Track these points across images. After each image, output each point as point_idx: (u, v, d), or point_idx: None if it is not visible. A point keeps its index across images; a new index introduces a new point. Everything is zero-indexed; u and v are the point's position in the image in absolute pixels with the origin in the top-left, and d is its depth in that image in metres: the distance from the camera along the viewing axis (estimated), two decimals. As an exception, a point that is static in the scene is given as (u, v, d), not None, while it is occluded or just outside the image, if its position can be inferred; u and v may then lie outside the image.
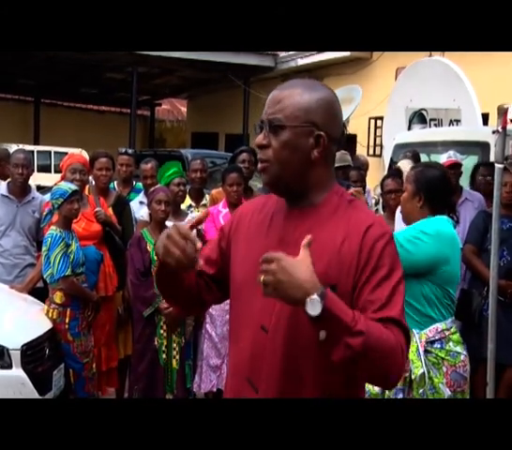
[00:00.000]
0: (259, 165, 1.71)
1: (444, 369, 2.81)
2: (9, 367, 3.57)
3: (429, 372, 2.80)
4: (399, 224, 4.52)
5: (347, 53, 13.32)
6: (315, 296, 1.45)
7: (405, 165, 5.26)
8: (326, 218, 1.68)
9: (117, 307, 4.70)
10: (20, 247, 4.86)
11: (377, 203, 6.37)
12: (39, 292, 4.48)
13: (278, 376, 1.62)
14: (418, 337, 2.83)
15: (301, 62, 14.60)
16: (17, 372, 3.57)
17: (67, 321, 4.04)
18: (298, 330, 1.59)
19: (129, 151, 5.65)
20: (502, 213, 4.03)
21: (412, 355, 2.87)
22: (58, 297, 4.05)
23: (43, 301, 4.22)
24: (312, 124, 1.66)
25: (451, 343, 2.84)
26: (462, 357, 2.86)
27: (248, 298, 1.70)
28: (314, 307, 1.44)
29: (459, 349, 2.86)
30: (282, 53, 15.17)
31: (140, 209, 5.03)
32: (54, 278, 4.02)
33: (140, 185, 5.59)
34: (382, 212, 5.29)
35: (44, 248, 4.08)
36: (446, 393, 2.78)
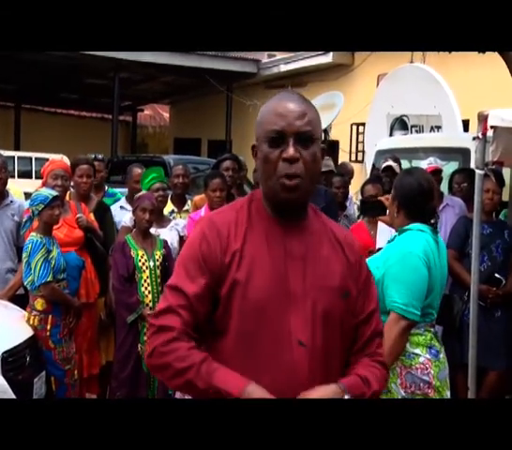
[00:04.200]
0: (290, 181, 1.65)
1: (398, 370, 2.77)
2: (-10, 374, 3.54)
3: None
4: (381, 227, 4.55)
5: (329, 60, 13.39)
6: (346, 396, 1.65)
7: (391, 161, 5.32)
8: (317, 232, 1.77)
9: (99, 313, 4.67)
10: (0, 253, 4.80)
11: (359, 209, 6.40)
12: (20, 299, 4.44)
13: (317, 384, 1.67)
14: None
15: (284, 68, 14.64)
16: (-3, 380, 3.54)
17: (48, 327, 4.01)
18: (331, 339, 1.73)
19: (99, 156, 5.67)
20: (482, 218, 4.06)
21: None
22: (39, 304, 4.02)
23: (24, 308, 4.19)
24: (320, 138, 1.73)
25: (408, 344, 2.80)
26: (422, 359, 2.79)
27: (276, 316, 1.68)
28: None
29: (418, 351, 2.80)
30: (265, 60, 15.22)
31: (120, 214, 5.01)
32: (35, 285, 3.99)
33: (112, 190, 5.60)
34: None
35: (24, 255, 4.05)
36: (400, 393, 2.76)
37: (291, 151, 1.65)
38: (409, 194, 2.93)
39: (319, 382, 1.66)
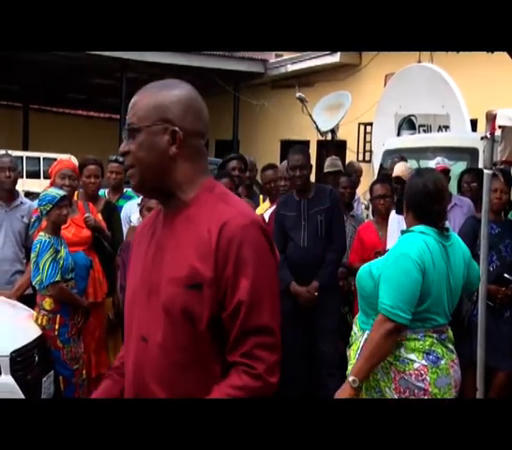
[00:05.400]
0: (127, 173, 1.71)
1: (392, 375, 2.73)
2: (-2, 373, 3.55)
3: (375, 374, 2.76)
4: (391, 228, 4.53)
5: (336, 60, 13.38)
6: None
7: (403, 167, 5.27)
8: (194, 216, 1.65)
9: (107, 312, 4.68)
10: (9, 254, 4.82)
11: (367, 208, 6.39)
12: (29, 299, 4.45)
13: (160, 383, 1.62)
14: (364, 339, 2.82)
15: (291, 68, 14.64)
16: (6, 379, 3.55)
17: (56, 327, 4.02)
18: (177, 335, 1.61)
19: (120, 159, 5.65)
20: (490, 218, 4.05)
21: (352, 353, 2.89)
22: (48, 304, 4.03)
23: (32, 307, 4.20)
24: (165, 121, 1.66)
25: (402, 349, 2.74)
26: (416, 365, 2.72)
27: (132, 311, 1.73)
28: None
29: (412, 356, 2.73)
30: (272, 60, 15.21)
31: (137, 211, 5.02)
32: (44, 285, 4.00)
33: (130, 192, 5.60)
34: (372, 217, 5.31)
35: (33, 255, 4.06)
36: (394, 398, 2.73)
37: (120, 148, 1.70)
38: (414, 195, 2.88)
39: (164, 380, 1.62)
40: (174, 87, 1.71)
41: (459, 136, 6.83)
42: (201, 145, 1.73)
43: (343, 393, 2.71)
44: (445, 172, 5.04)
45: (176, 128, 1.65)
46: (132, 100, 1.72)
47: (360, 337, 2.89)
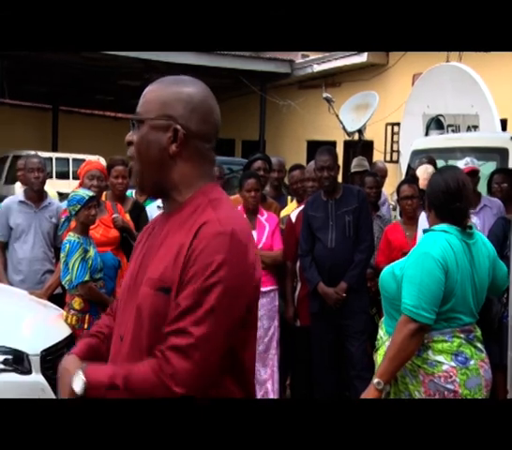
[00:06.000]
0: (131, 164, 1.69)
1: (421, 378, 2.70)
2: (29, 372, 3.59)
3: (404, 377, 2.73)
4: (421, 228, 4.49)
5: (363, 59, 13.31)
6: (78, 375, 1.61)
7: (422, 171, 5.21)
8: (184, 220, 1.61)
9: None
10: (39, 254, 4.89)
11: (394, 209, 6.35)
12: (58, 299, 4.50)
13: None
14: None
15: (317, 68, 14.60)
16: (36, 378, 3.58)
17: (85, 326, 4.05)
18: (142, 335, 1.60)
19: None
20: (521, 219, 4.00)
21: (379, 358, 2.85)
22: (77, 303, 4.07)
23: (62, 307, 4.25)
24: (169, 117, 1.62)
25: (430, 352, 2.70)
26: (445, 367, 2.68)
27: (118, 309, 1.74)
28: (78, 382, 1.63)
29: (440, 358, 2.69)
30: (298, 60, 15.19)
31: (157, 213, 5.05)
32: (73, 284, 4.04)
33: None
34: (399, 217, 5.28)
35: (62, 255, 4.10)
36: None
37: (126, 137, 1.66)
38: (435, 193, 2.83)
39: None
40: (186, 85, 1.67)
41: (489, 136, 6.76)
42: (205, 149, 1.67)
43: (368, 395, 2.69)
44: (474, 172, 4.99)
45: (178, 127, 1.61)
46: (144, 91, 1.68)
47: (386, 342, 2.86)
